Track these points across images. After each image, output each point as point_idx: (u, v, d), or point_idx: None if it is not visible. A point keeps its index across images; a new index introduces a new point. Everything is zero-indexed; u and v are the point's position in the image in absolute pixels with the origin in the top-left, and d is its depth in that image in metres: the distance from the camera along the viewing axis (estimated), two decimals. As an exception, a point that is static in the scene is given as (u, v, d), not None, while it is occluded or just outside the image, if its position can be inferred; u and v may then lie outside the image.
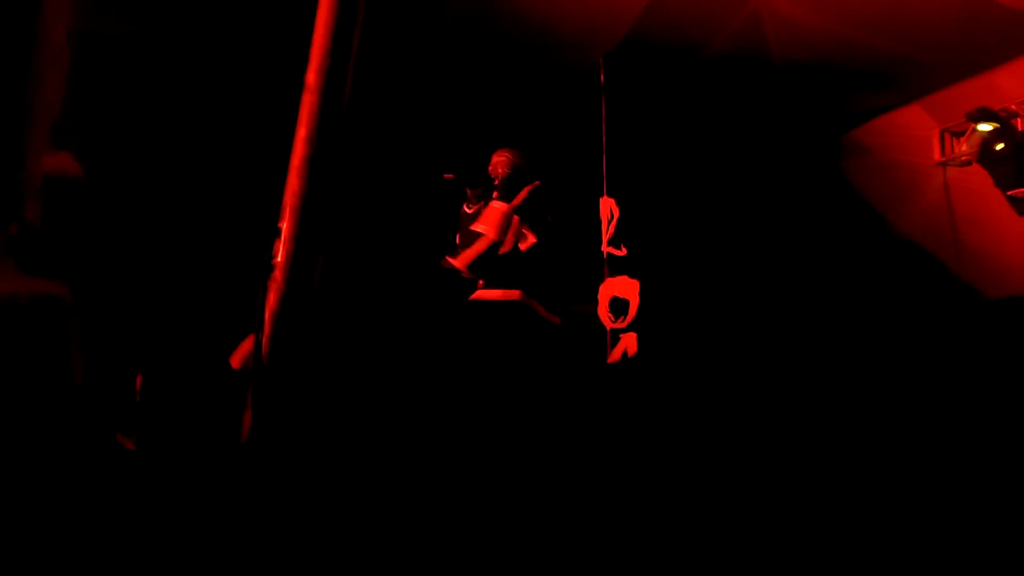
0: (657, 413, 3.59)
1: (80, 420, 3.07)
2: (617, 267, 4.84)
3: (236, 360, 3.67)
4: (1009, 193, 5.48)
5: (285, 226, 3.37)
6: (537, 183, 4.13)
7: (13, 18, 3.43)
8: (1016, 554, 2.43)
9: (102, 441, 3.25)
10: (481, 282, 4.12)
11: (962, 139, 5.89)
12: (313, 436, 3.20)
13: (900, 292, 5.82)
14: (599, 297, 4.77)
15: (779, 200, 6.22)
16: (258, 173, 3.67)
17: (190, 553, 2.47)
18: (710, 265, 6.02)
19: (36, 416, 2.92)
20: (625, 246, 4.83)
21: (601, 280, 4.86)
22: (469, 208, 4.23)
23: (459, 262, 4.07)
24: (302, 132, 3.49)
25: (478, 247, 4.04)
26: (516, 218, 4.05)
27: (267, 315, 3.23)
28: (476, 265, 4.06)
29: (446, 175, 4.18)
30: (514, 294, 4.03)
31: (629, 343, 4.53)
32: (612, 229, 4.89)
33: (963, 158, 5.85)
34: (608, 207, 4.93)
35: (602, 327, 4.75)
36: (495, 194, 4.13)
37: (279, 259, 3.35)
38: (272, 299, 3.29)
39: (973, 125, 5.57)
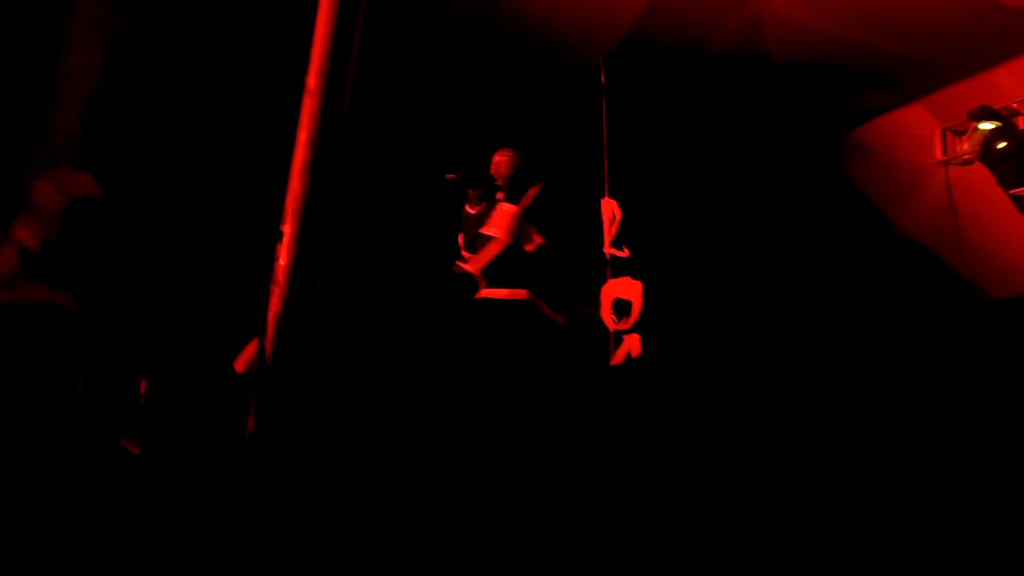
0: (661, 414, 3.59)
1: (81, 425, 3.08)
2: (619, 268, 4.83)
3: (240, 364, 3.67)
4: (1012, 192, 5.47)
5: (287, 229, 3.37)
6: (543, 184, 4.14)
7: (37, 45, 3.46)
8: (1020, 553, 2.43)
9: (106, 445, 3.25)
10: (484, 280, 4.12)
11: (964, 138, 5.88)
12: (317, 439, 3.20)
13: (903, 292, 5.80)
14: (602, 299, 4.75)
15: (781, 200, 6.20)
16: (260, 177, 3.67)
17: (195, 556, 2.47)
18: (713, 266, 6.00)
19: (37, 419, 2.92)
20: (627, 247, 4.82)
21: (603, 281, 4.85)
22: (472, 208, 4.22)
23: (472, 267, 4.07)
24: (303, 135, 3.50)
25: (491, 251, 4.03)
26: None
27: (270, 319, 3.23)
28: (488, 268, 4.06)
29: (448, 175, 4.18)
30: (521, 293, 4.03)
31: (632, 345, 4.52)
32: (614, 230, 4.88)
33: (965, 157, 5.84)
34: (610, 208, 4.91)
35: (605, 328, 4.74)
36: (500, 195, 4.12)
37: (282, 262, 3.35)
38: (275, 302, 3.30)
39: (975, 124, 5.55)
